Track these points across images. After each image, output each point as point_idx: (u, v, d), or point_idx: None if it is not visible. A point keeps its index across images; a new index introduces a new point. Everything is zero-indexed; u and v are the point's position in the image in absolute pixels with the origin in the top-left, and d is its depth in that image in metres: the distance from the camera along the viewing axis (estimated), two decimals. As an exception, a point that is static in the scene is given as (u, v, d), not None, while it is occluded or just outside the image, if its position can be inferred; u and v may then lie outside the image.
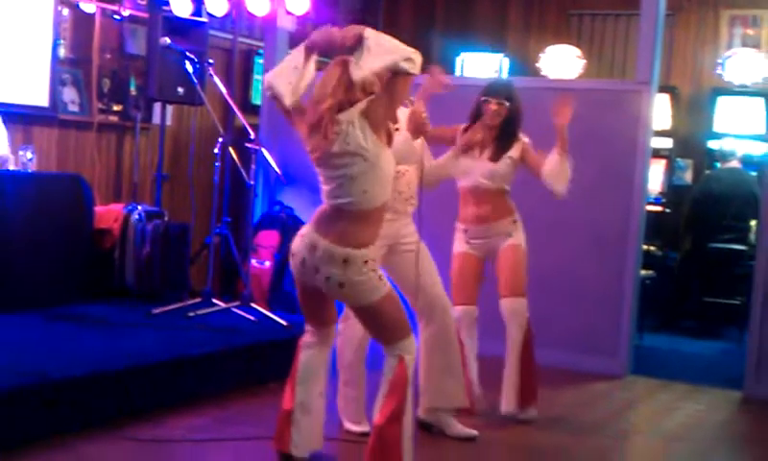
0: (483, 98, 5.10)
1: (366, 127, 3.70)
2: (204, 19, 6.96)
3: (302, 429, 4.01)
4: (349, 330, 4.62)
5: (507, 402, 5.15)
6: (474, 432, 4.81)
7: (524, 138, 5.18)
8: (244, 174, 6.32)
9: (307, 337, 4.08)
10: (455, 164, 4.91)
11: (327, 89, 3.72)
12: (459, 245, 5.24)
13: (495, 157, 5.10)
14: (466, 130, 5.11)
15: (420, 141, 4.50)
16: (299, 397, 4.00)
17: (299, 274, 3.89)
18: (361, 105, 3.70)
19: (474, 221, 5.17)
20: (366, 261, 3.73)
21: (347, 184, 3.73)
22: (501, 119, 5.07)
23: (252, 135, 6.21)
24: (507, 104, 5.05)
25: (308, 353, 4.05)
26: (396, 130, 4.29)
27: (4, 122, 5.77)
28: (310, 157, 3.84)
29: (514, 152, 5.12)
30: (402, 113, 4.47)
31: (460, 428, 4.80)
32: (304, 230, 3.88)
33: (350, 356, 4.73)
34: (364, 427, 4.60)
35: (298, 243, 3.85)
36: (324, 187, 3.83)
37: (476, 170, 5.12)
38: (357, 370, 4.75)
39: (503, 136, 5.11)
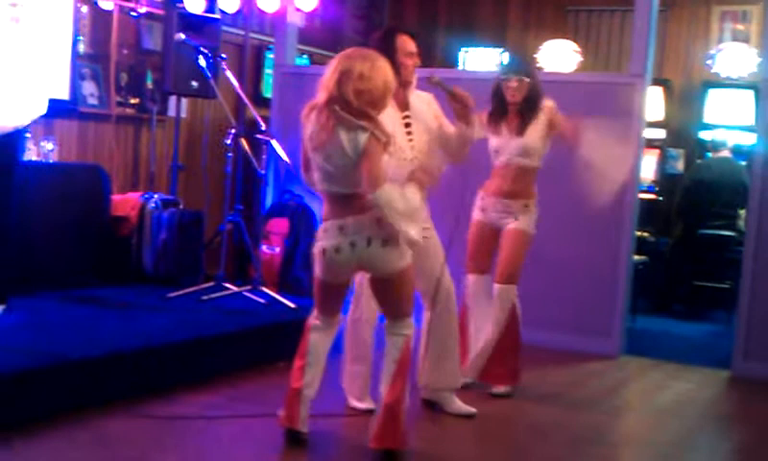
0: (502, 77, 5.21)
1: (357, 142, 3.84)
2: (216, 16, 7.13)
3: (310, 407, 4.18)
4: (362, 310, 4.71)
5: (470, 368, 5.28)
6: (473, 409, 4.89)
7: (548, 103, 5.26)
8: (255, 164, 6.45)
9: (315, 321, 4.23)
10: (467, 131, 4.73)
11: (325, 79, 3.91)
12: (475, 212, 5.35)
13: (521, 131, 5.19)
14: (490, 114, 5.25)
15: (425, 134, 4.66)
16: (308, 376, 4.16)
17: (330, 269, 4.02)
18: (364, 137, 3.82)
19: (492, 192, 5.27)
20: (395, 229, 3.88)
21: (342, 176, 3.91)
22: (522, 95, 5.16)
23: (263, 127, 6.33)
24: (526, 79, 5.15)
25: (316, 336, 4.21)
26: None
27: None
28: (310, 145, 4.00)
29: (541, 119, 5.21)
30: (418, 98, 4.66)
31: (459, 405, 4.90)
32: (323, 228, 4.01)
33: (362, 334, 4.78)
34: (368, 404, 4.70)
35: (323, 239, 3.99)
36: (320, 174, 3.98)
37: (508, 148, 5.22)
38: (368, 347, 4.80)
39: (526, 110, 5.19)
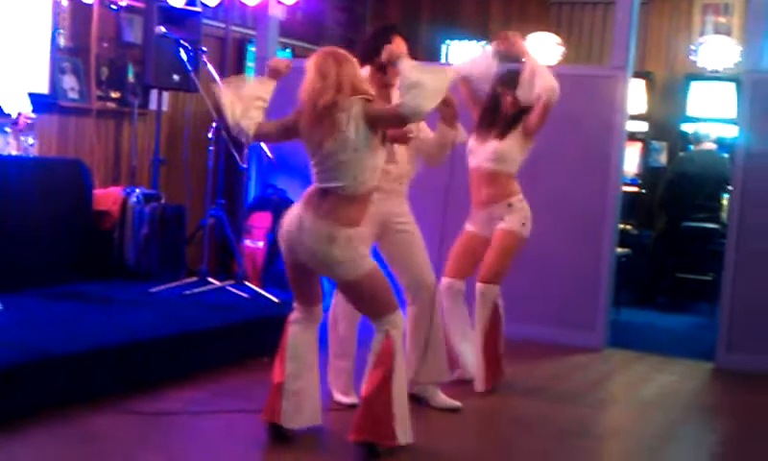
0: (500, 90, 5.27)
1: (361, 122, 3.89)
2: (197, 9, 7.07)
3: (293, 402, 4.15)
4: (343, 303, 4.70)
5: (479, 382, 5.31)
6: (458, 403, 4.92)
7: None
8: (237, 158, 6.43)
9: (295, 314, 4.23)
10: (449, 133, 4.77)
11: (326, 82, 3.91)
12: (467, 223, 5.41)
13: (502, 136, 5.24)
14: (481, 118, 5.30)
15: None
16: (288, 370, 4.16)
17: (286, 249, 4.06)
18: (358, 105, 3.89)
19: (476, 204, 5.33)
20: (350, 239, 3.91)
21: (338, 170, 3.92)
22: (518, 107, 5.23)
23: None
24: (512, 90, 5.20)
25: (295, 329, 4.21)
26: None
27: None
28: (306, 144, 4.04)
29: (519, 127, 5.26)
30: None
31: (444, 399, 4.92)
32: (294, 208, 4.05)
33: (343, 329, 4.81)
34: (353, 399, 4.71)
35: (287, 219, 4.04)
36: (315, 169, 4.00)
37: (480, 152, 5.26)
38: (349, 343, 4.83)
39: (513, 120, 5.26)
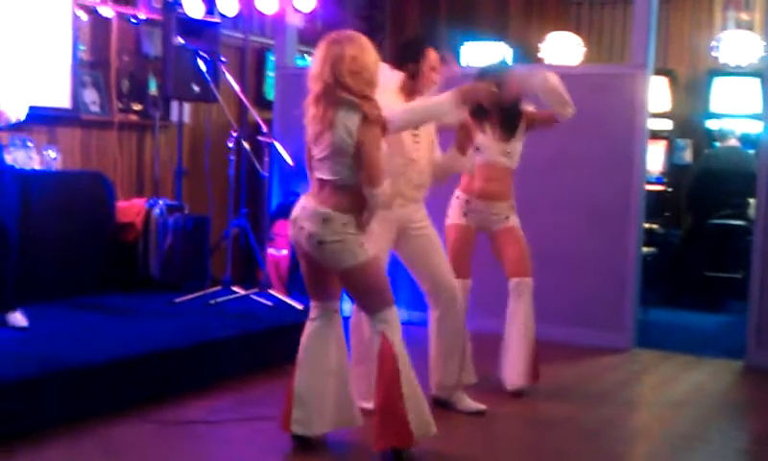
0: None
1: (356, 123, 3.86)
2: (216, 19, 7.11)
3: (307, 408, 4.10)
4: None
5: (518, 376, 5.26)
6: (483, 406, 4.89)
7: (526, 108, 5.29)
8: (258, 166, 6.46)
9: (311, 314, 4.20)
10: (459, 160, 4.83)
11: (322, 69, 3.91)
12: (456, 215, 5.28)
13: (507, 137, 5.23)
14: (473, 112, 5.12)
15: (431, 136, 4.71)
16: (298, 375, 4.13)
17: (293, 240, 4.08)
18: (360, 108, 3.87)
19: (479, 194, 5.23)
20: (344, 224, 3.89)
21: (332, 160, 3.91)
22: (496, 102, 5.03)
23: (264, 129, 6.34)
24: (495, 89, 4.96)
25: (311, 330, 4.18)
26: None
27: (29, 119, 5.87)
28: (306, 133, 4.03)
29: (522, 124, 5.26)
30: None
31: (469, 403, 4.90)
32: (302, 199, 4.07)
33: (363, 334, 4.72)
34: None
35: (294, 209, 4.07)
36: (313, 159, 4.02)
37: (493, 148, 5.22)
38: (368, 347, 4.68)
39: (507, 118, 5.22)
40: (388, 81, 4.57)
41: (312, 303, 4.23)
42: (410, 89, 4.65)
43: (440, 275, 4.77)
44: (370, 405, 4.69)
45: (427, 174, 4.73)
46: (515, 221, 5.30)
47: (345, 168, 3.92)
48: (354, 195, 3.95)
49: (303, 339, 4.19)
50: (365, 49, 3.95)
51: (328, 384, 4.17)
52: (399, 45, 4.84)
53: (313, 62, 3.98)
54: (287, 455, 4.17)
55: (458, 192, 5.33)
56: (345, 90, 3.87)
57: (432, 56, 4.63)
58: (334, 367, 4.19)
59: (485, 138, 5.24)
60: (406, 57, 4.66)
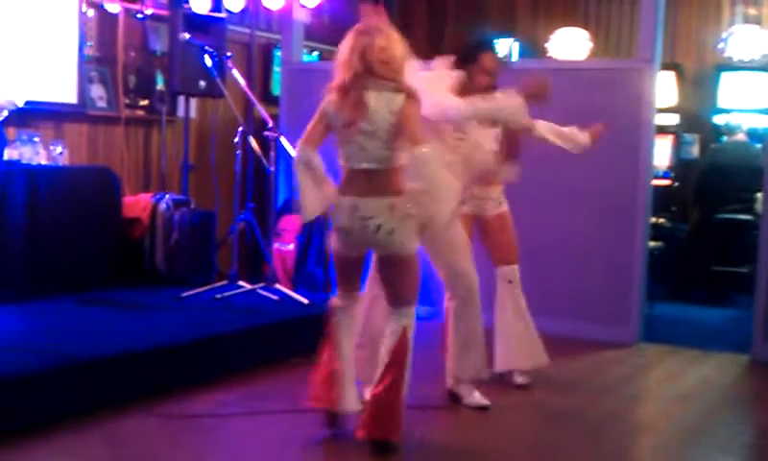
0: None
1: (399, 104, 3.95)
2: (222, 15, 7.12)
3: (347, 388, 4.20)
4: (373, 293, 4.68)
5: (528, 359, 5.30)
6: (487, 402, 4.88)
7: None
8: (264, 161, 6.46)
9: (338, 303, 4.25)
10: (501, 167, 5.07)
11: (344, 58, 4.00)
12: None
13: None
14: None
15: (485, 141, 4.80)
16: (342, 356, 4.20)
17: (343, 246, 4.09)
18: (400, 96, 3.96)
19: (477, 181, 5.13)
20: (407, 206, 3.97)
21: (381, 148, 3.97)
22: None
23: (271, 124, 6.34)
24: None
25: (342, 317, 4.24)
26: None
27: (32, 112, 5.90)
28: (334, 124, 4.04)
29: None
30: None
31: (473, 398, 4.88)
32: (337, 204, 4.04)
33: (371, 319, 4.69)
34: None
35: (337, 217, 4.05)
36: (349, 149, 4.02)
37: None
38: (374, 334, 4.67)
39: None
40: (438, 77, 4.71)
41: (340, 293, 4.27)
42: (466, 87, 4.72)
43: (459, 265, 4.78)
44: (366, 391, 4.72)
45: (462, 176, 4.77)
46: (506, 206, 5.30)
47: (394, 152, 3.99)
48: (400, 176, 4.03)
49: (338, 321, 4.24)
50: (392, 39, 4.03)
51: (350, 366, 4.27)
52: (458, 43, 4.90)
53: (340, 52, 4.04)
54: (295, 448, 4.19)
55: None
56: (372, 79, 3.96)
57: (487, 59, 4.74)
58: (352, 351, 4.30)
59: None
60: (465, 58, 4.75)
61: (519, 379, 5.34)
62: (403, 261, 4.07)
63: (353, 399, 4.23)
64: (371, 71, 3.95)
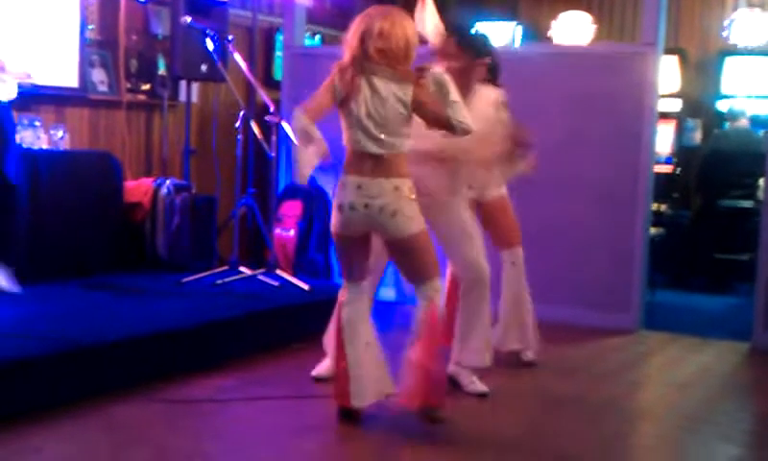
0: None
1: (409, 93, 4.00)
2: (224, -2, 7.11)
3: (359, 382, 4.21)
4: None
5: (515, 340, 5.43)
6: (486, 389, 4.89)
7: None
8: (265, 146, 6.44)
9: (345, 295, 4.27)
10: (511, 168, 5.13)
11: (347, 38, 4.07)
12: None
13: None
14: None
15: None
16: (349, 353, 4.21)
17: (345, 224, 4.09)
18: (408, 84, 4.01)
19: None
20: (410, 188, 4.04)
21: (391, 134, 4.01)
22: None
23: (273, 109, 6.31)
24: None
25: (348, 310, 4.25)
26: None
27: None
28: (342, 106, 4.06)
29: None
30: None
31: (471, 385, 4.89)
32: (342, 182, 4.08)
33: None
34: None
35: (340, 195, 4.07)
36: (357, 135, 4.04)
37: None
38: None
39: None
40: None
41: (347, 284, 4.28)
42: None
43: (469, 253, 4.78)
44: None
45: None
46: (505, 189, 5.33)
47: (403, 138, 4.04)
48: (405, 160, 4.09)
49: (344, 319, 4.25)
50: (396, 26, 4.04)
51: (371, 357, 4.28)
52: (473, 38, 4.93)
53: (349, 31, 4.10)
54: (294, 434, 4.18)
55: None
56: (370, 64, 4.00)
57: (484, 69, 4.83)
58: (370, 338, 4.30)
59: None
60: (478, 50, 4.81)
61: (527, 356, 5.48)
62: (410, 241, 4.09)
63: (363, 394, 4.24)
64: (367, 56, 4.00)
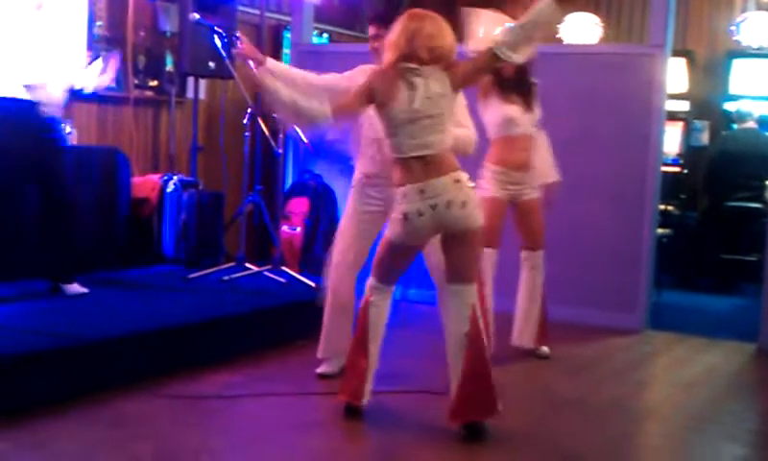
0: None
1: (448, 85, 4.05)
2: (233, -5, 7.10)
3: (369, 382, 4.26)
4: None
5: (529, 337, 5.57)
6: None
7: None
8: (273, 143, 6.45)
9: (375, 296, 4.26)
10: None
11: (393, 39, 4.09)
12: (493, 188, 5.36)
13: (531, 108, 5.39)
14: (517, 85, 5.36)
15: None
16: (372, 353, 4.24)
17: (411, 232, 4.05)
18: (439, 72, 4.04)
19: (516, 166, 5.37)
20: (468, 179, 4.06)
21: (437, 132, 4.03)
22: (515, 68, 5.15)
23: (279, 106, 6.36)
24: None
25: (374, 311, 4.25)
26: None
27: None
28: (382, 110, 4.08)
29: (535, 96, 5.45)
30: None
31: None
32: (403, 192, 4.02)
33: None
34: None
35: (404, 204, 4.02)
36: (401, 142, 4.03)
37: (526, 120, 5.36)
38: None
39: (522, 85, 5.35)
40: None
41: (379, 285, 4.26)
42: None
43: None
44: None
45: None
46: (538, 192, 5.50)
47: (445, 134, 4.07)
48: (452, 153, 4.11)
49: (371, 319, 4.25)
50: (443, 28, 4.11)
51: (375, 362, 4.31)
52: None
53: (391, 33, 4.11)
54: (300, 429, 4.19)
55: (491, 165, 5.40)
56: (417, 63, 4.02)
57: None
58: (379, 347, 4.34)
59: (515, 109, 5.35)
60: None
61: (543, 351, 5.64)
62: (474, 235, 4.10)
63: (369, 393, 4.27)
64: (415, 55, 4.01)
